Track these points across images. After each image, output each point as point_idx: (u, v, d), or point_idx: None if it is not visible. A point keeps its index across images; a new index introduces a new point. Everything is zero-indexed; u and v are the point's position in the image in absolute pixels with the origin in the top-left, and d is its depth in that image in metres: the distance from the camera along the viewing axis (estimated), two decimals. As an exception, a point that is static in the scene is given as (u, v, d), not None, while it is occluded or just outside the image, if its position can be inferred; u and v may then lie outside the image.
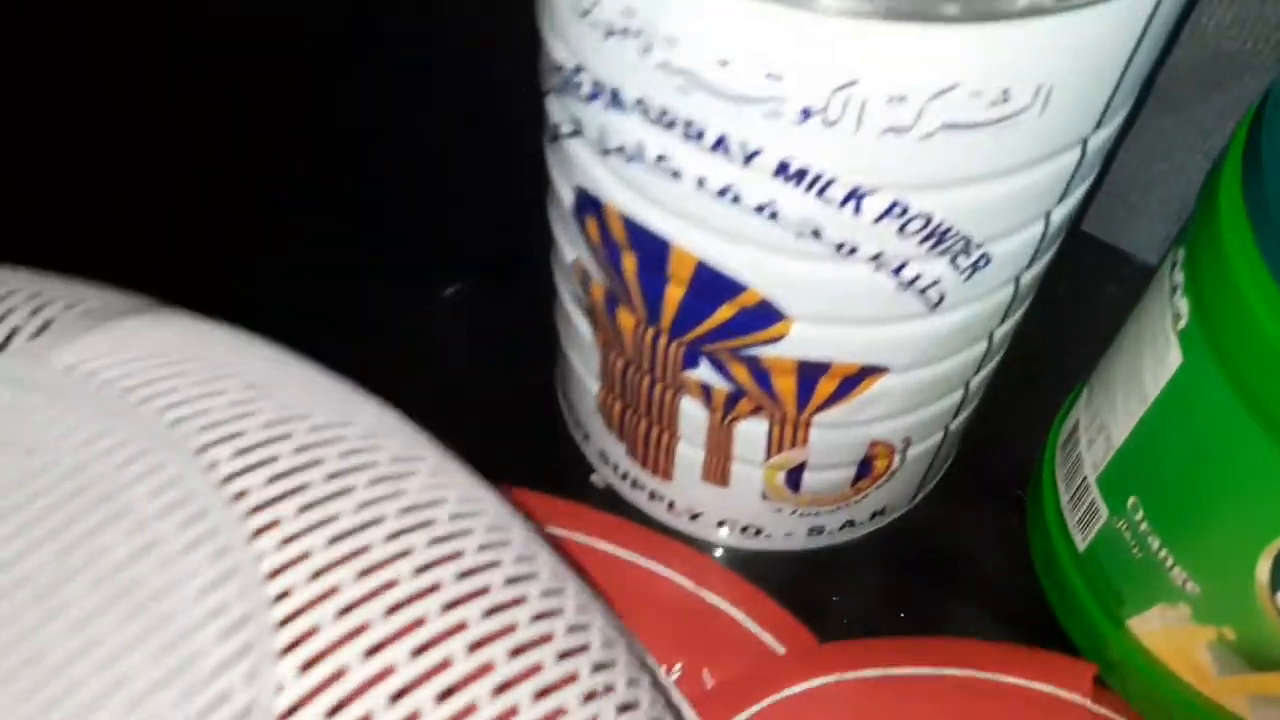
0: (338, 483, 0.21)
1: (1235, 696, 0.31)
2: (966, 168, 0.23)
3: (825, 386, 0.30)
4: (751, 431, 0.32)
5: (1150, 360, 0.29)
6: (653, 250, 0.27)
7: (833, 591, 0.37)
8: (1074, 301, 0.39)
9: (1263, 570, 0.27)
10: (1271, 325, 0.24)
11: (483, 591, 0.21)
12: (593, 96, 0.25)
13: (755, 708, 0.34)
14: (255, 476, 0.21)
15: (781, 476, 0.34)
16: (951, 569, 0.38)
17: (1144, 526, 0.31)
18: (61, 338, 0.23)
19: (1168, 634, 0.31)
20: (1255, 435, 0.26)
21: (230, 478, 0.21)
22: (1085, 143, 0.24)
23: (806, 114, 0.22)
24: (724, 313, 0.28)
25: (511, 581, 0.22)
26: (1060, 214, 0.27)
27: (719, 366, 0.30)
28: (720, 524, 0.37)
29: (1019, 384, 0.37)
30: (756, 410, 0.31)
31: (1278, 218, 0.24)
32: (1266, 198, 0.25)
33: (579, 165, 0.28)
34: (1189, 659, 0.31)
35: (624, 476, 0.38)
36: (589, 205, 0.28)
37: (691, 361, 0.30)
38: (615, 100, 0.24)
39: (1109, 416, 0.32)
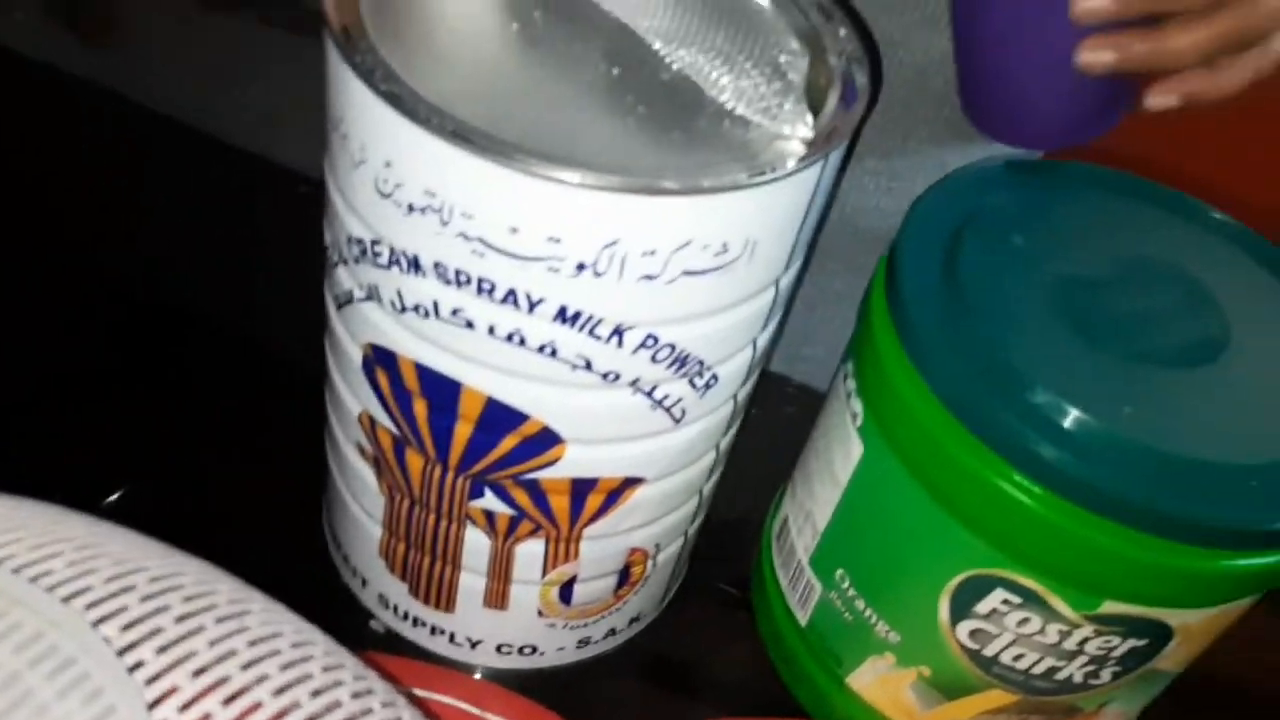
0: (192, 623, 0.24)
1: (937, 725, 0.38)
2: (700, 304, 0.30)
3: (594, 501, 0.35)
4: (530, 552, 0.36)
5: (839, 454, 0.37)
6: (444, 393, 0.32)
7: (601, 697, 0.41)
8: (763, 425, 0.47)
9: (943, 609, 0.35)
10: (918, 406, 0.32)
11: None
12: (391, 263, 0.30)
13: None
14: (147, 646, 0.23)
15: (555, 592, 0.38)
16: (698, 660, 0.43)
17: (851, 593, 0.38)
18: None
19: (879, 683, 0.38)
20: (923, 499, 0.33)
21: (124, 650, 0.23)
22: (778, 282, 0.32)
23: (580, 268, 0.28)
24: (508, 443, 0.33)
25: (328, 670, 0.26)
26: (763, 340, 0.34)
27: (501, 493, 0.34)
28: (499, 648, 0.40)
29: (729, 501, 0.44)
30: (535, 531, 0.36)
31: (913, 316, 0.33)
32: (902, 301, 0.33)
33: (372, 325, 0.32)
34: (898, 702, 0.38)
35: (404, 616, 0.40)
36: (381, 359, 0.33)
37: (477, 492, 0.34)
38: (414, 265, 0.29)
39: (812, 506, 0.39)
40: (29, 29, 0.59)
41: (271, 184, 0.56)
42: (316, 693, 0.25)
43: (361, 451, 0.37)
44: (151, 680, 0.23)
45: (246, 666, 0.24)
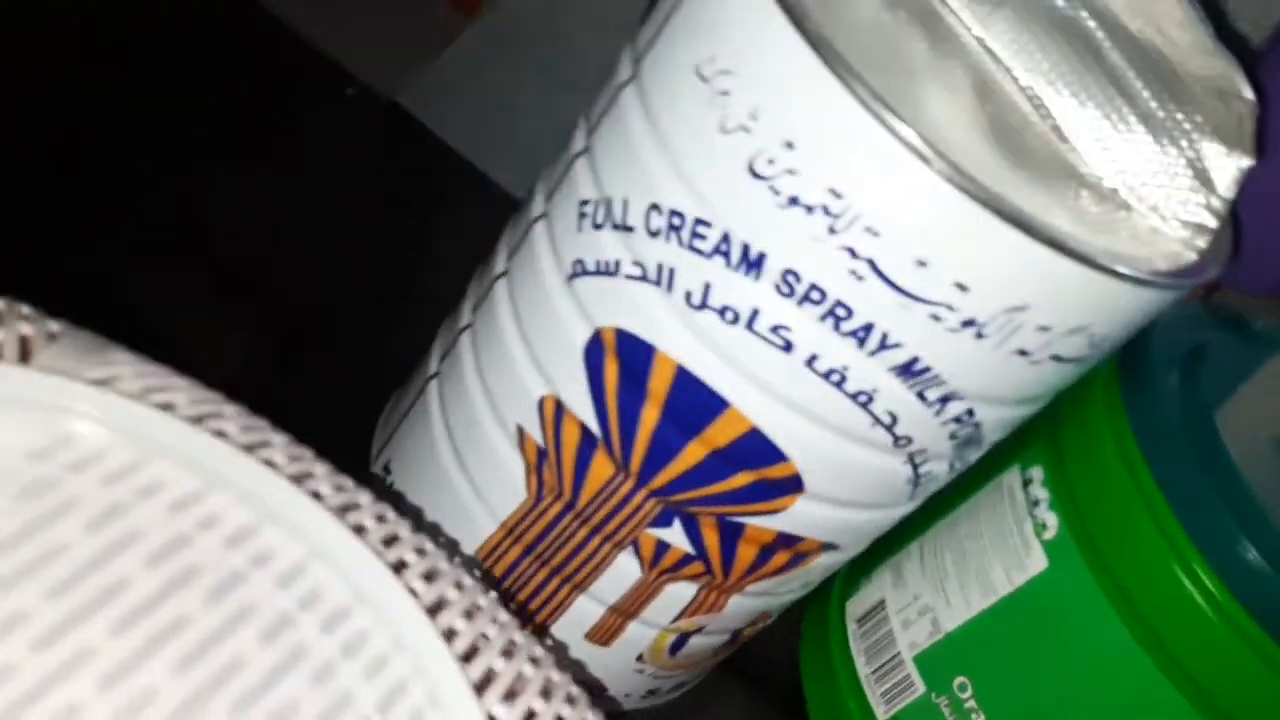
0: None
1: None
2: (1034, 390, 0.27)
3: (780, 558, 0.31)
4: (677, 593, 0.32)
5: (1002, 562, 0.34)
6: (698, 408, 0.27)
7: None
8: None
9: (1094, 748, 0.33)
10: (1153, 539, 0.31)
11: None
12: (717, 251, 0.25)
13: None
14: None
15: (672, 639, 0.34)
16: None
17: (970, 704, 0.35)
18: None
19: (967, 800, 0.36)
20: (1132, 650, 0.31)
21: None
22: (1064, 381, 0.29)
23: (969, 324, 0.24)
24: (741, 479, 0.28)
25: None
26: (1000, 432, 0.31)
27: (692, 528, 0.30)
28: (567, 682, 0.35)
29: None
30: (699, 575, 0.31)
31: (1171, 455, 0.31)
32: (1153, 426, 0.31)
33: (633, 308, 0.27)
34: (980, 821, 0.36)
35: (470, 625, 0.35)
36: (626, 349, 0.27)
37: (665, 520, 0.30)
38: (754, 264, 0.25)
39: (936, 603, 0.36)
40: None
41: (313, 81, 0.48)
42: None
43: (521, 439, 0.31)
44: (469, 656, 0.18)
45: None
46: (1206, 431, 0.31)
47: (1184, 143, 0.26)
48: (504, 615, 0.20)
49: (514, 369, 0.30)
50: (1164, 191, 0.26)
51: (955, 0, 0.28)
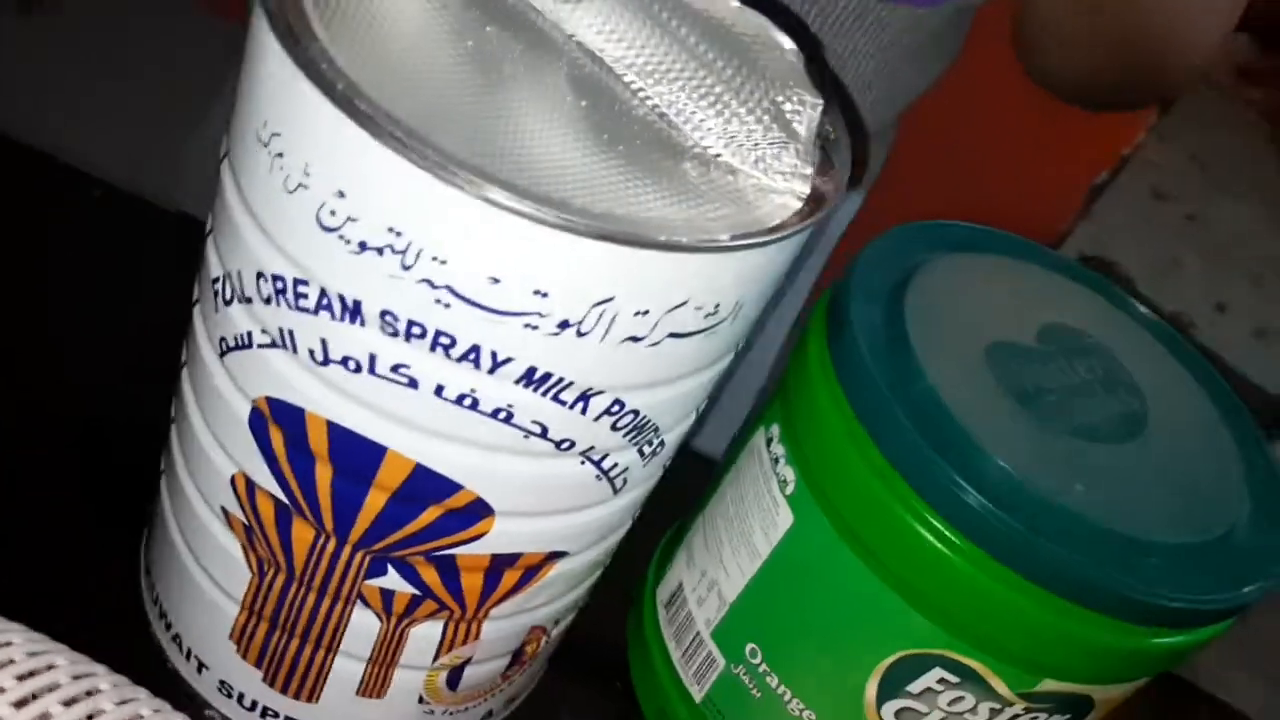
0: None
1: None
2: (674, 369, 0.27)
3: (510, 578, 0.31)
4: (425, 635, 0.32)
5: (760, 524, 0.35)
6: (361, 458, 0.27)
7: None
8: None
9: (871, 688, 0.33)
10: (867, 474, 0.31)
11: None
12: (320, 308, 0.25)
13: None
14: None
15: (444, 677, 0.34)
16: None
17: (763, 669, 0.36)
18: None
19: (785, 761, 0.36)
20: (863, 573, 0.32)
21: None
22: (738, 344, 0.30)
23: (564, 325, 0.24)
24: (429, 515, 0.28)
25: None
26: (702, 407, 0.32)
27: (407, 572, 0.30)
28: (365, 740, 0.35)
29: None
30: (435, 612, 0.31)
31: (864, 381, 0.31)
32: (853, 366, 0.32)
33: (274, 375, 0.27)
34: (803, 779, 0.36)
35: (252, 706, 0.35)
36: (281, 416, 0.27)
37: (378, 570, 0.30)
38: (353, 313, 0.25)
39: (718, 576, 0.37)
40: None
41: (60, 188, 0.48)
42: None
43: (228, 519, 0.31)
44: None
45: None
46: (903, 361, 0.32)
47: (765, 101, 0.27)
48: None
49: (204, 452, 0.30)
50: (759, 150, 0.27)
51: (539, 2, 0.28)
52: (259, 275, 0.26)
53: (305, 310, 0.25)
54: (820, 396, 0.33)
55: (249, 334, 0.27)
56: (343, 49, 0.24)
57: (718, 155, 0.27)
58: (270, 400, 0.27)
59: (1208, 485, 0.33)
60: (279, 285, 0.25)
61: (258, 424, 0.28)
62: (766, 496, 0.35)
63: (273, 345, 0.27)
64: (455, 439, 0.27)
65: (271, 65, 0.24)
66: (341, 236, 0.24)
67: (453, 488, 0.28)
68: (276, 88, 0.24)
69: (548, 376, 0.25)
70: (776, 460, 0.34)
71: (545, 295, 0.24)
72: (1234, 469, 0.34)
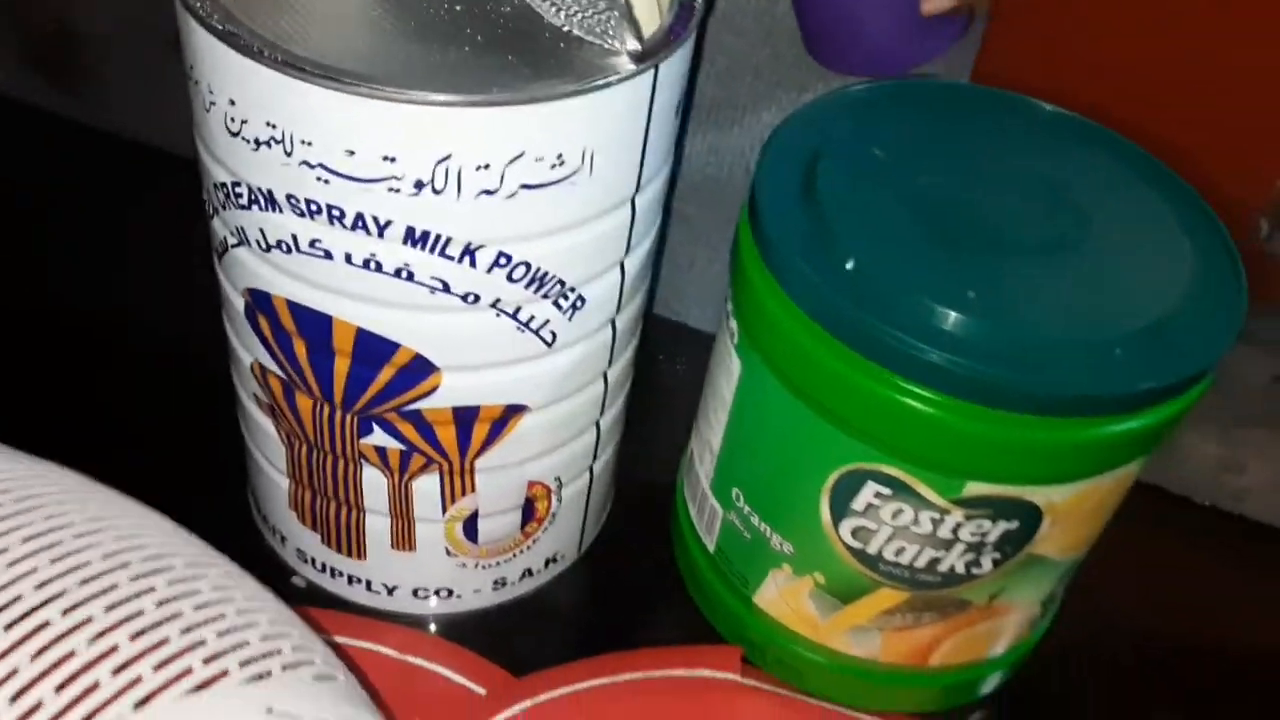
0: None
1: (840, 635, 0.39)
2: (545, 221, 0.31)
3: (480, 430, 0.36)
4: (426, 487, 0.37)
5: (723, 376, 0.38)
6: (318, 329, 0.33)
7: (524, 637, 0.42)
8: (689, 379, 0.49)
9: (825, 510, 0.35)
10: (781, 317, 0.34)
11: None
12: (251, 203, 0.31)
13: (465, 743, 0.38)
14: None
15: (460, 529, 0.39)
16: (619, 600, 0.44)
17: (746, 509, 0.39)
18: None
19: (782, 597, 0.39)
20: (795, 406, 0.34)
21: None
22: (633, 202, 0.33)
23: (419, 186, 0.29)
24: (385, 374, 0.34)
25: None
26: (632, 265, 0.35)
27: (388, 428, 0.36)
28: (415, 592, 0.41)
29: (651, 454, 0.45)
30: (427, 465, 0.37)
31: (771, 233, 0.34)
32: (761, 221, 0.34)
33: (246, 269, 0.33)
34: (800, 613, 0.39)
35: (322, 568, 0.42)
36: (260, 303, 0.34)
37: (366, 429, 0.36)
38: (270, 201, 0.31)
39: (708, 433, 0.40)
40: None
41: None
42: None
43: (259, 402, 0.38)
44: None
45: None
46: (807, 209, 0.34)
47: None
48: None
49: (235, 351, 0.37)
50: (595, 18, 0.30)
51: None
52: (214, 185, 0.32)
53: (243, 208, 0.32)
54: (746, 257, 0.35)
55: (224, 238, 0.34)
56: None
57: (568, 32, 0.31)
58: (251, 291, 0.34)
59: (1141, 288, 0.33)
60: (225, 191, 0.32)
61: (249, 314, 0.35)
62: (726, 350, 0.38)
63: (240, 244, 0.33)
64: (375, 300, 0.32)
65: (181, 16, 0.30)
66: (243, 138, 0.30)
67: (392, 347, 0.33)
68: (185, 27, 0.30)
69: (426, 234, 0.30)
70: (728, 315, 0.37)
71: (394, 160, 0.29)
72: (1181, 269, 0.34)
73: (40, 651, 0.24)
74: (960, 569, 0.35)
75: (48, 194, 0.58)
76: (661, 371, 0.51)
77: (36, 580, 0.25)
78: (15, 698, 0.23)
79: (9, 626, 0.24)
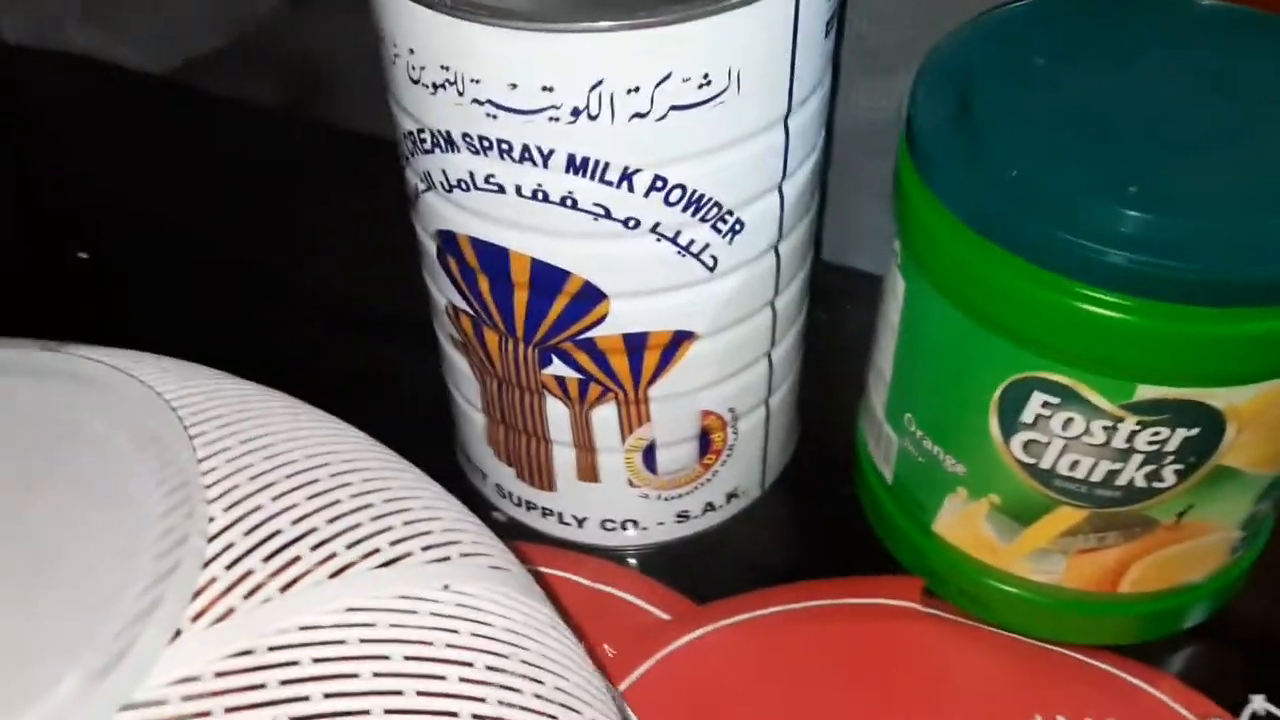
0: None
1: (1021, 560, 0.38)
2: (698, 142, 0.33)
3: (650, 358, 0.38)
4: (605, 416, 0.40)
5: (891, 300, 0.38)
6: (498, 262, 0.36)
7: (707, 570, 0.44)
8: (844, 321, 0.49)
9: (994, 426, 0.35)
10: (938, 227, 0.34)
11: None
12: (434, 146, 0.34)
13: (650, 662, 0.40)
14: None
15: (640, 459, 0.41)
16: (803, 534, 0.45)
17: (919, 434, 0.39)
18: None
19: (959, 522, 0.39)
20: (956, 318, 0.34)
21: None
22: (787, 125, 0.34)
23: (576, 113, 0.31)
24: (559, 304, 0.36)
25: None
26: (792, 190, 0.36)
27: (566, 358, 0.38)
28: (603, 524, 0.44)
29: (831, 393, 0.46)
30: (604, 394, 0.39)
31: (925, 145, 0.34)
32: (915, 133, 0.35)
33: (434, 211, 0.37)
34: (979, 538, 0.39)
35: (519, 502, 0.45)
36: (448, 244, 0.37)
37: (545, 360, 0.38)
38: (449, 142, 0.34)
39: (881, 360, 0.40)
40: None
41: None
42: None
43: (454, 342, 0.41)
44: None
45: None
46: (964, 124, 0.34)
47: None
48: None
49: (430, 289, 0.41)
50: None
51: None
52: (405, 135, 0.36)
53: (428, 152, 0.35)
54: (903, 171, 0.36)
55: (416, 185, 0.37)
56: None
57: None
58: (440, 233, 0.37)
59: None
60: (413, 139, 0.35)
61: (440, 256, 0.38)
62: (892, 273, 0.38)
63: (428, 189, 0.36)
64: (547, 231, 0.34)
65: (368, -22, 0.34)
66: (422, 84, 0.33)
67: (563, 275, 0.35)
68: (374, -6, 0.34)
69: (586, 161, 0.32)
70: (892, 237, 0.38)
71: (551, 90, 0.31)
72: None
73: (251, 529, 0.27)
74: (1140, 482, 0.34)
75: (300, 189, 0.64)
76: (845, 319, 0.52)
77: (252, 473, 0.29)
78: (230, 565, 0.26)
79: (228, 509, 0.27)
